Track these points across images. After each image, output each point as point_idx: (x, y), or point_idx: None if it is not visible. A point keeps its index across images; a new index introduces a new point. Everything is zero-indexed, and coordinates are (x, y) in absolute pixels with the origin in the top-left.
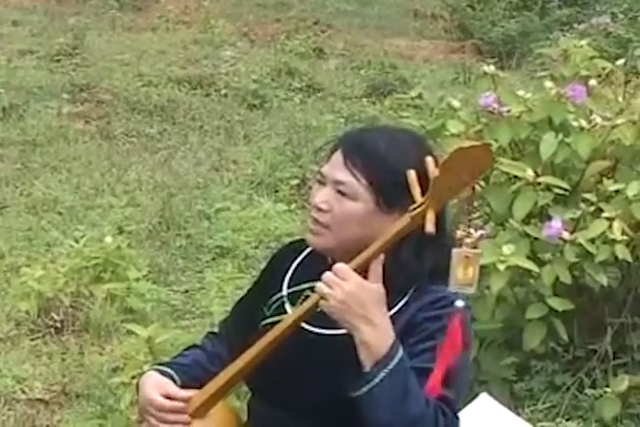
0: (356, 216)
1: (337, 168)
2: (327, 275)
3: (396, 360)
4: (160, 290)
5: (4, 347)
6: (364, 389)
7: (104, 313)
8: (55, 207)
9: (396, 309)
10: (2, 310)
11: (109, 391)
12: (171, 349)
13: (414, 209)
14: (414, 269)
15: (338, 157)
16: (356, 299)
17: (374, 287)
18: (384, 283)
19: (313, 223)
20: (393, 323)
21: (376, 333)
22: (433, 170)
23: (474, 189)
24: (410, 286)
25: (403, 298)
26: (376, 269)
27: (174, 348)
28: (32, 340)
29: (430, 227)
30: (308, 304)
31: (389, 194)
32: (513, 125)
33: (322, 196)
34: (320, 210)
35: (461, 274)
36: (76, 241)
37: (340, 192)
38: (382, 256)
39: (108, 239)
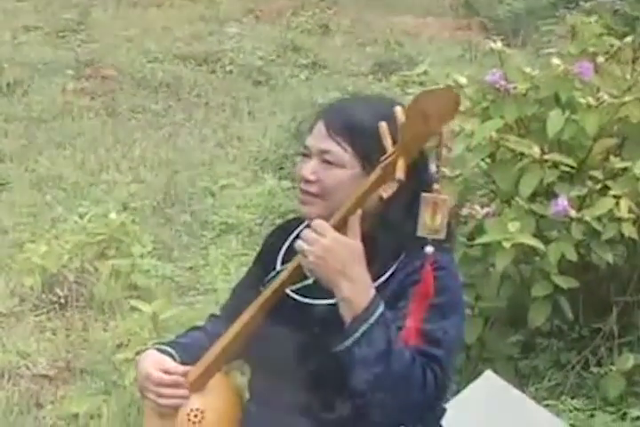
0: (345, 183)
1: (320, 139)
2: (306, 232)
3: (376, 315)
4: (164, 266)
5: (8, 323)
6: (346, 343)
7: (108, 289)
8: (59, 183)
9: (387, 275)
10: (6, 285)
11: (113, 367)
12: (175, 325)
13: (385, 159)
14: (404, 228)
15: (320, 127)
16: (333, 254)
17: (352, 243)
18: (375, 246)
19: (303, 195)
20: (384, 288)
21: (355, 288)
22: (400, 118)
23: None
24: (400, 247)
25: (393, 264)
26: (354, 224)
27: (178, 324)
28: (36, 316)
29: (400, 174)
30: (291, 266)
31: (374, 157)
32: (519, 102)
33: (309, 167)
34: (308, 181)
35: (429, 219)
36: (81, 217)
37: (326, 161)
38: (360, 212)
39: (113, 215)
